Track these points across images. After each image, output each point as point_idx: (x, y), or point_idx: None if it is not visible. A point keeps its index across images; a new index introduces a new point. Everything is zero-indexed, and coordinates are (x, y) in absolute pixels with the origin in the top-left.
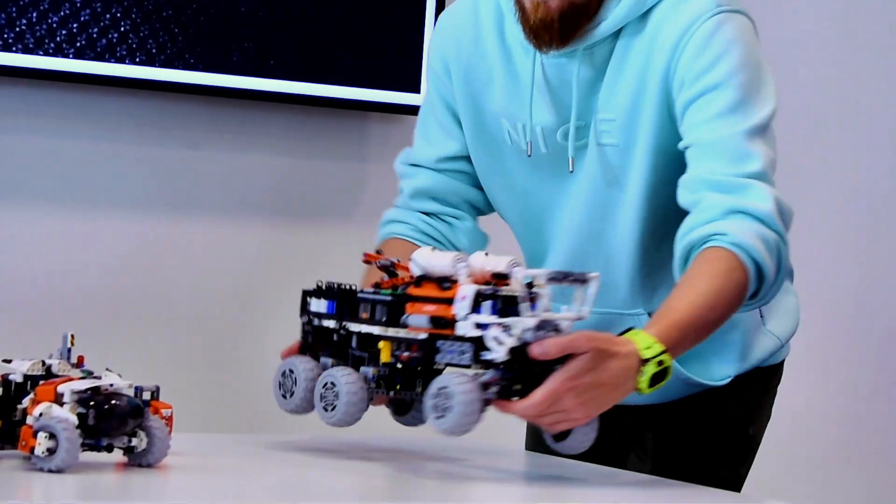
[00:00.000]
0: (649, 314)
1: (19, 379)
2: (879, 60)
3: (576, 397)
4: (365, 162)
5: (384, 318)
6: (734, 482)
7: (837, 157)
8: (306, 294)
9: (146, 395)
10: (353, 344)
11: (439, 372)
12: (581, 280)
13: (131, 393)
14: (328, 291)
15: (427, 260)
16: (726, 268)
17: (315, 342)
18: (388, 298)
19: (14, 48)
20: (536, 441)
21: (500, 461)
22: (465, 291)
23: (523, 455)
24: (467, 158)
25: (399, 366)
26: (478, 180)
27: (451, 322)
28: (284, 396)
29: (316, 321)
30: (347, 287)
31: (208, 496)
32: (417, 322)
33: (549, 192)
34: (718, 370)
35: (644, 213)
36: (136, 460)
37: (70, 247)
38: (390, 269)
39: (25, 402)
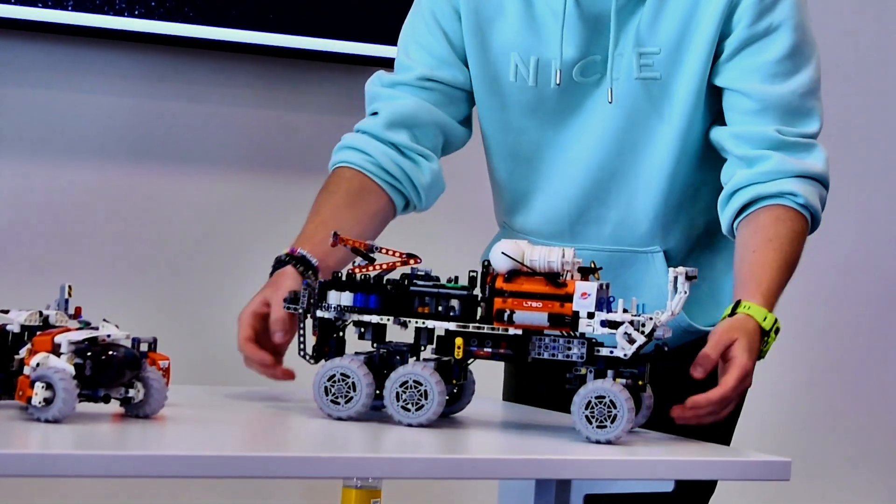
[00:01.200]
0: (664, 252)
1: (16, 329)
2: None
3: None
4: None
5: (460, 314)
6: (726, 434)
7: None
8: (325, 286)
9: (143, 347)
10: (419, 339)
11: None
12: (693, 277)
13: (129, 344)
14: (362, 284)
15: (528, 254)
16: (801, 230)
17: (324, 335)
18: (465, 293)
19: (13, 0)
20: (514, 393)
21: (485, 412)
22: (587, 288)
23: (507, 406)
24: (452, 87)
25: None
26: (456, 106)
27: (567, 319)
28: (336, 402)
29: (344, 315)
30: (375, 277)
31: (204, 447)
32: (530, 319)
33: (553, 128)
34: (714, 315)
35: (680, 146)
36: (133, 411)
37: (69, 198)
38: (367, 254)
39: (22, 352)
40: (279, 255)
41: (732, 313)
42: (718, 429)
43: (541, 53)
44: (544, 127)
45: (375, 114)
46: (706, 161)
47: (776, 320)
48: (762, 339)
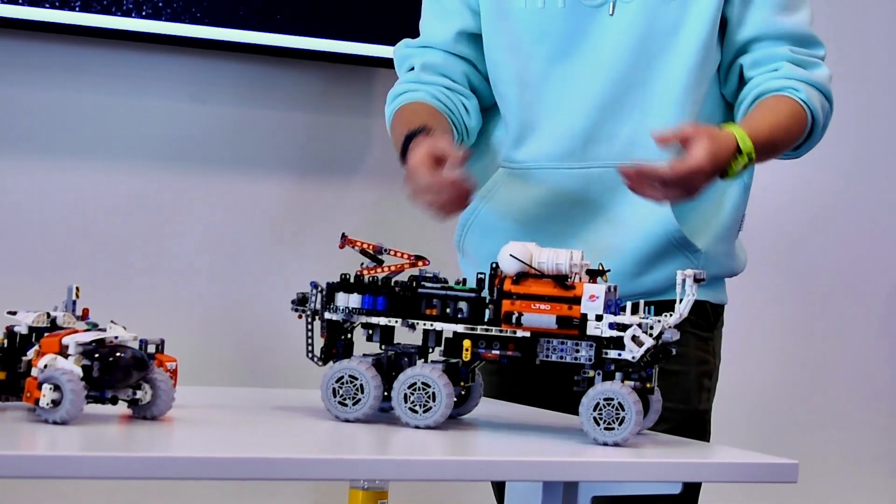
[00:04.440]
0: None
1: (24, 331)
2: None
3: (704, 179)
4: (370, 117)
5: (468, 316)
6: (703, 424)
7: None
8: (333, 288)
9: (151, 348)
10: (427, 341)
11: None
12: (700, 280)
13: (136, 345)
14: (370, 286)
15: (536, 256)
16: (799, 116)
17: (333, 337)
18: (473, 296)
19: (21, 1)
20: (494, 389)
21: (492, 414)
22: (596, 291)
23: (514, 408)
24: (476, 38)
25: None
26: (483, 66)
27: (575, 321)
28: (343, 404)
29: (352, 317)
30: (382, 280)
31: (212, 449)
32: (539, 321)
33: (561, 51)
34: (708, 232)
35: (699, 59)
36: (141, 413)
37: (75, 199)
38: (375, 256)
39: (30, 353)
40: (409, 133)
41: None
42: (696, 429)
43: None
44: (553, 52)
45: (412, 69)
46: (716, 79)
47: (754, 149)
48: (734, 155)
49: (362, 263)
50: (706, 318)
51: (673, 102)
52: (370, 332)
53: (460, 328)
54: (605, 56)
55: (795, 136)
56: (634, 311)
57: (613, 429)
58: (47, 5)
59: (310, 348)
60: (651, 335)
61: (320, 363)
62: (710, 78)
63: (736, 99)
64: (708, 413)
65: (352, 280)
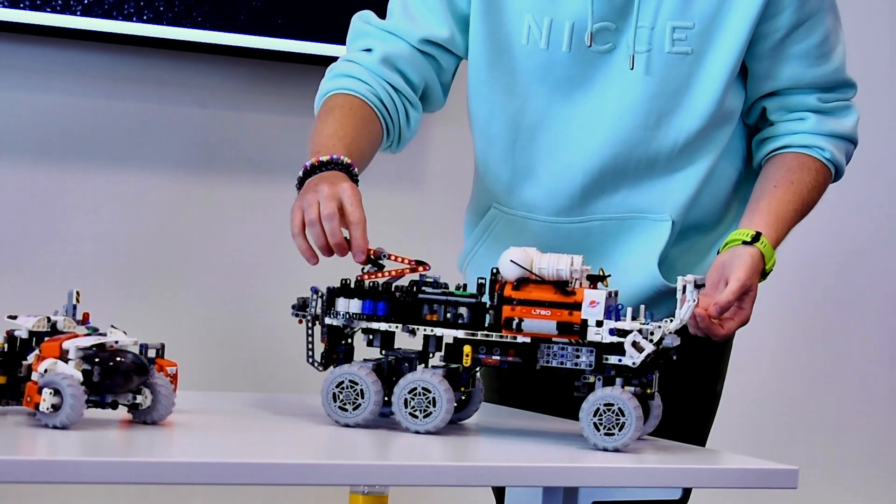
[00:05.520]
0: (673, 221)
1: (24, 335)
2: None
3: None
4: None
5: (469, 321)
6: (701, 439)
7: None
8: (333, 293)
9: (151, 353)
10: (428, 346)
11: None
12: (701, 285)
13: (136, 350)
14: (370, 291)
15: (536, 262)
16: (822, 182)
17: (333, 342)
18: (473, 301)
19: (21, 5)
20: (495, 394)
21: (492, 419)
22: (596, 296)
23: (514, 413)
24: (448, 51)
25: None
26: (446, 75)
27: (576, 327)
28: (344, 409)
29: (353, 322)
30: (385, 285)
31: (212, 453)
32: (539, 327)
33: (563, 97)
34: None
35: (710, 117)
36: (141, 417)
37: (76, 202)
38: (376, 261)
39: (30, 358)
40: (307, 164)
41: (753, 240)
42: (696, 433)
43: (555, 15)
44: (553, 94)
45: (369, 50)
46: (725, 129)
47: (774, 263)
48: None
49: (363, 268)
50: (709, 347)
51: (679, 160)
52: (370, 337)
53: (461, 333)
54: (610, 109)
55: (815, 204)
56: (635, 316)
57: (613, 434)
58: (48, 9)
59: (310, 353)
60: (651, 341)
61: (321, 368)
62: (725, 132)
63: (756, 130)
64: (704, 437)
65: (352, 285)
